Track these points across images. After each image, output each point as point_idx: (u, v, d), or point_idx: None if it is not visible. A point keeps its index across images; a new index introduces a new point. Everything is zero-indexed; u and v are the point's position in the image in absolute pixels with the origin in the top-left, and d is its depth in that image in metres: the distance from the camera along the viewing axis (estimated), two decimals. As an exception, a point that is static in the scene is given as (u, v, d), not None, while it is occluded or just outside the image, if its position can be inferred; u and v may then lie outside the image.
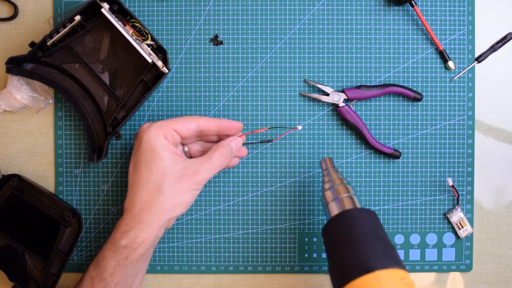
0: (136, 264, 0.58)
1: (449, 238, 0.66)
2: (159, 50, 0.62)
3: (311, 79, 0.66)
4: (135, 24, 0.62)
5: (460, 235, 0.65)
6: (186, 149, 0.62)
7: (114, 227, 0.58)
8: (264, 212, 0.66)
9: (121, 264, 0.57)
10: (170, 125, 0.58)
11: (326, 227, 0.56)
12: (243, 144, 0.63)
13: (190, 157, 0.62)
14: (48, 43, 0.61)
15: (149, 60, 0.61)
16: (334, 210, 0.56)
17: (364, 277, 0.48)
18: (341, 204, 0.56)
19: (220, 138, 0.62)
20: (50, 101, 0.66)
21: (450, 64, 0.65)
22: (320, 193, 0.61)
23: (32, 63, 0.62)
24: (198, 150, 0.63)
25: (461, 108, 0.66)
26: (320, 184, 0.64)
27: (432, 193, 0.66)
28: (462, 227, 0.65)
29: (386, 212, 0.66)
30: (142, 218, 0.56)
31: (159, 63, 0.61)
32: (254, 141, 0.65)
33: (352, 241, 0.52)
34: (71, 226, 0.64)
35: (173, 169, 0.57)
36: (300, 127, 0.65)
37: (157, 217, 0.57)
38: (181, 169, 0.57)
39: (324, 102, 0.65)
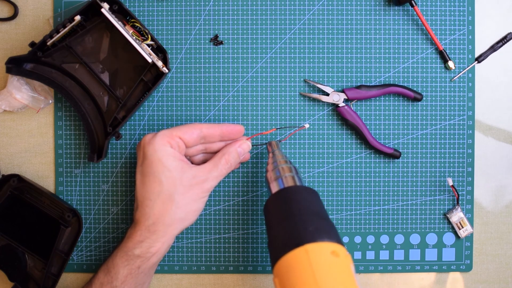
0: (147, 272, 0.59)
1: (449, 238, 0.66)
2: (159, 50, 0.62)
3: (311, 79, 0.66)
4: (135, 24, 0.62)
5: (460, 235, 0.65)
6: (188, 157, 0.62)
7: (125, 236, 0.59)
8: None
9: (133, 272, 0.57)
10: (174, 133, 0.58)
11: (265, 204, 0.56)
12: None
13: (192, 163, 0.62)
14: (48, 43, 0.61)
15: (149, 60, 0.61)
16: (274, 188, 0.56)
17: (294, 251, 0.48)
18: (281, 183, 0.56)
19: (224, 142, 0.62)
20: (50, 101, 0.66)
21: (450, 64, 0.65)
22: (264, 174, 0.61)
23: (32, 63, 0.62)
24: (200, 159, 0.63)
25: (461, 108, 0.66)
26: (265, 165, 0.65)
27: (432, 193, 0.66)
28: (462, 227, 0.65)
29: (386, 212, 0.66)
30: (156, 229, 0.57)
31: (159, 63, 0.61)
32: (264, 142, 0.65)
33: (286, 217, 0.52)
34: (71, 226, 0.64)
35: (182, 178, 0.57)
36: (307, 125, 0.65)
37: (171, 227, 0.57)
38: (190, 178, 0.57)
39: (324, 102, 0.65)
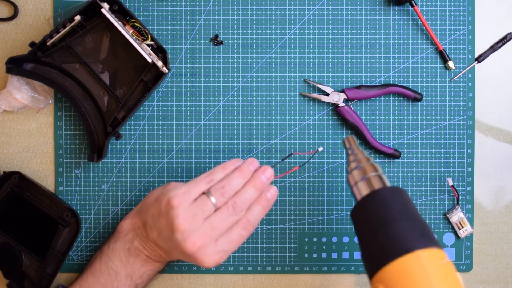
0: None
1: (449, 238, 0.66)
2: (159, 50, 0.62)
3: (311, 79, 0.66)
4: (135, 24, 0.62)
5: (460, 235, 0.65)
6: None
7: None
8: (264, 212, 0.66)
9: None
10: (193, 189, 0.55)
11: (355, 209, 0.53)
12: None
13: None
14: (48, 43, 0.61)
15: (149, 60, 0.61)
16: (363, 190, 0.52)
17: (403, 258, 0.46)
18: (369, 184, 0.52)
19: None
20: (50, 101, 0.66)
21: (450, 64, 0.65)
22: (345, 174, 0.57)
23: (32, 63, 0.62)
24: None
25: (461, 108, 0.66)
26: (344, 165, 0.62)
27: (432, 193, 0.66)
28: (462, 227, 0.65)
29: (386, 212, 0.66)
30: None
31: (159, 63, 0.61)
32: (278, 160, 0.65)
33: (385, 222, 0.49)
34: (69, 226, 0.63)
35: None
36: (320, 149, 0.65)
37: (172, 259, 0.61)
38: None
39: (324, 102, 0.65)
